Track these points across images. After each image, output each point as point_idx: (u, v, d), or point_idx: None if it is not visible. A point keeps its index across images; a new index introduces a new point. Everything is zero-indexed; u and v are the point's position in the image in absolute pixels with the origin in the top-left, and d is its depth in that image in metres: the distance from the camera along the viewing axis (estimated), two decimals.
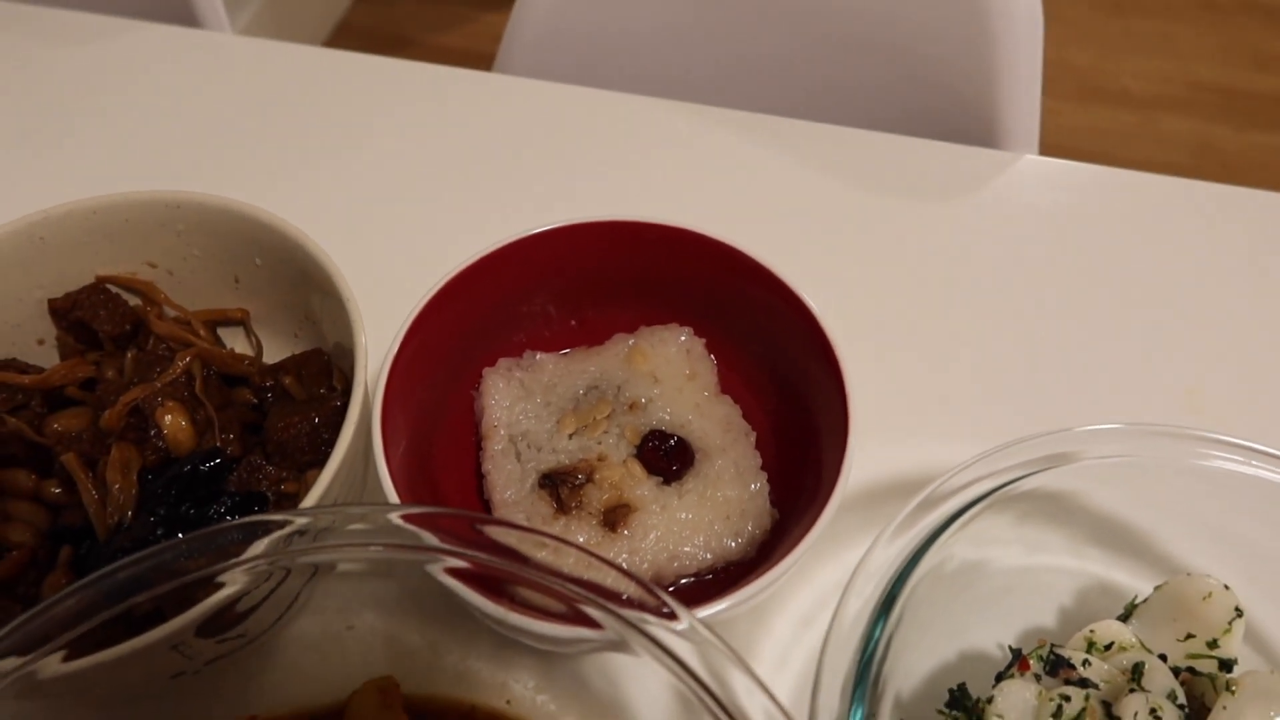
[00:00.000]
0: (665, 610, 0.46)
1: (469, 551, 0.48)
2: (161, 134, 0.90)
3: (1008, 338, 0.76)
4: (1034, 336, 0.76)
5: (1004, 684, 0.53)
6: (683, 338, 0.68)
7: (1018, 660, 0.55)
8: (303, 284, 0.64)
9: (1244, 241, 0.82)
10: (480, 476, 0.64)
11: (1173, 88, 2.72)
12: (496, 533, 0.49)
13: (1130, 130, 2.63)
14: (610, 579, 0.47)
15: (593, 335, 0.70)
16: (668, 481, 0.62)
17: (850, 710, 0.46)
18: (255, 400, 0.65)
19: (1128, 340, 0.76)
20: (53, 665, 0.43)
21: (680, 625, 0.45)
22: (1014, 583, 0.62)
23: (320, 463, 0.61)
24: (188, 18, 1.04)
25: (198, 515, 0.57)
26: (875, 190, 0.85)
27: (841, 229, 0.83)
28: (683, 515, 0.60)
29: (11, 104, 0.92)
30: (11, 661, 0.42)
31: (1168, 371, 0.74)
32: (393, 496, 0.54)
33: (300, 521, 0.47)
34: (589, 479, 0.61)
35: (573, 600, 0.47)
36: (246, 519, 0.47)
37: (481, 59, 0.97)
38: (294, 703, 0.53)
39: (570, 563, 0.47)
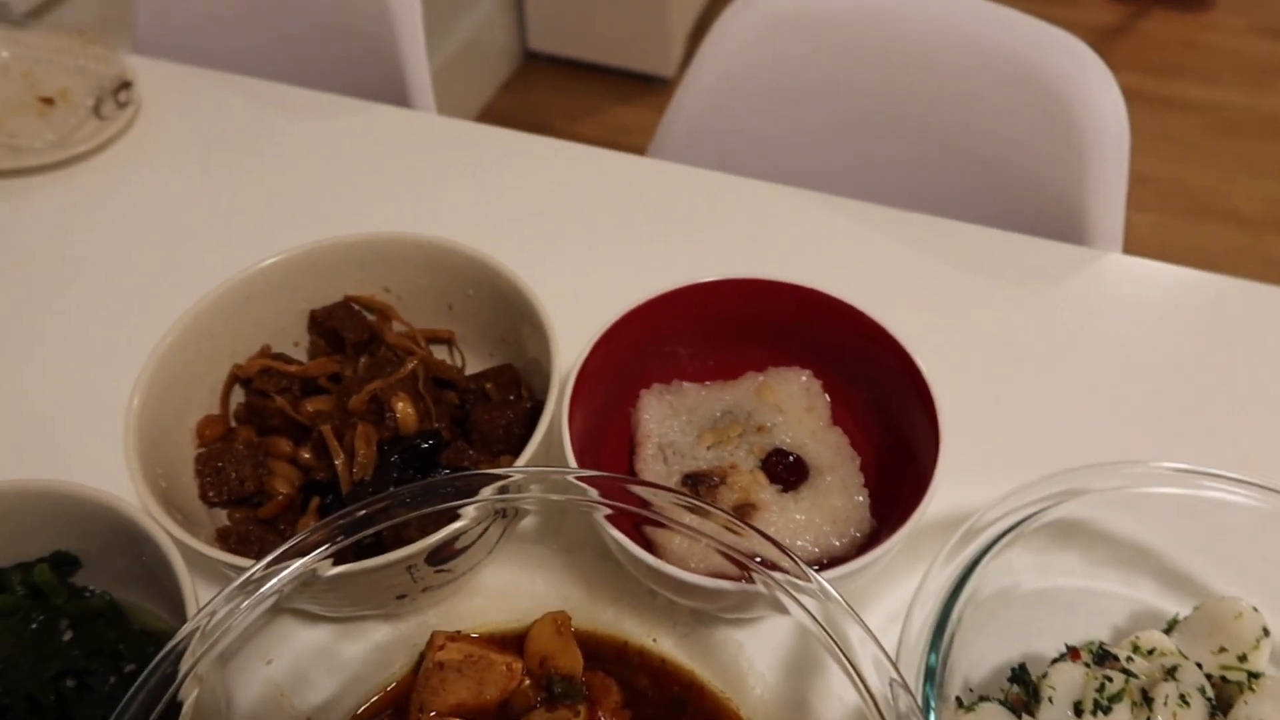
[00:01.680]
0: (798, 572, 0.60)
1: (633, 508, 0.63)
2: (388, 189, 1.11)
3: (1066, 411, 0.88)
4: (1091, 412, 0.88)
5: (1057, 665, 0.64)
6: (804, 378, 0.82)
7: (1070, 652, 0.66)
8: (505, 313, 0.82)
9: None
10: (632, 475, 0.79)
11: None
12: (655, 494, 0.63)
13: (1239, 249, 2.69)
14: (756, 544, 0.61)
15: (728, 371, 0.85)
16: (786, 490, 0.76)
17: (926, 680, 0.59)
18: (459, 400, 0.82)
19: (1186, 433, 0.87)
20: (326, 568, 0.59)
21: (810, 585, 0.59)
22: (1076, 602, 0.73)
23: (511, 451, 0.77)
24: (401, 98, 1.27)
25: (419, 478, 0.74)
26: (975, 275, 0.99)
27: (942, 304, 0.97)
28: (798, 516, 0.74)
29: (276, 166, 1.15)
30: (299, 561, 0.58)
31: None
32: (574, 464, 0.69)
33: (512, 478, 0.63)
34: (722, 481, 0.76)
35: (728, 555, 0.61)
36: (475, 471, 0.63)
37: (613, 146, 1.16)
38: (487, 626, 0.68)
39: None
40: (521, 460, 0.68)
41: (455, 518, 0.63)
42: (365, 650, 0.70)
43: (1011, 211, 1.07)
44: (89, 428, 0.87)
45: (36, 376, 0.94)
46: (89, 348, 0.96)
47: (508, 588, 0.70)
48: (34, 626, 0.64)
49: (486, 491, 0.62)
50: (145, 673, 0.53)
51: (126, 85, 1.21)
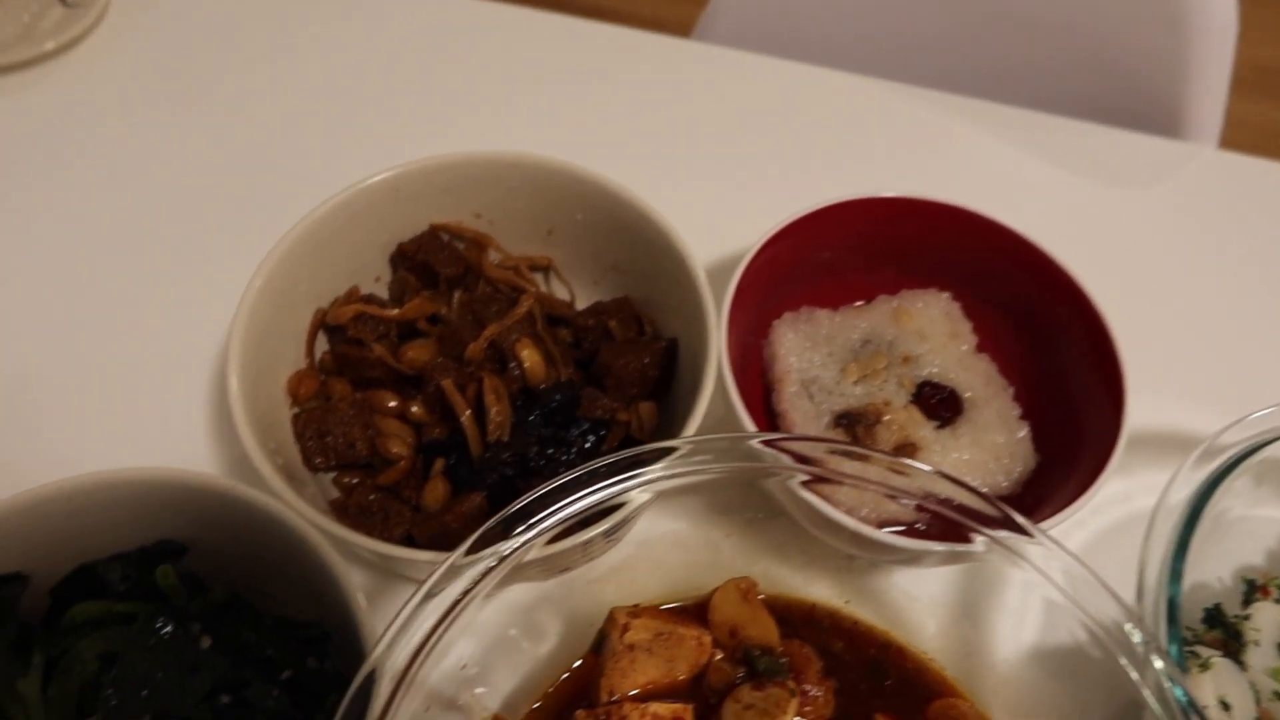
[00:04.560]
0: (1013, 524, 0.56)
1: (826, 470, 0.58)
2: (481, 102, 0.98)
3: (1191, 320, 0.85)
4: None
5: (1257, 605, 0.63)
6: (942, 301, 0.77)
7: (1259, 588, 0.65)
8: (621, 241, 0.73)
9: None
10: (770, 415, 0.73)
11: None
12: (840, 456, 0.58)
13: None
14: (965, 498, 0.57)
15: (854, 294, 0.79)
16: (943, 426, 0.72)
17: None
18: (573, 338, 0.74)
19: None
20: (536, 548, 0.53)
21: (1030, 538, 0.55)
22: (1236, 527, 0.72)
23: (646, 396, 0.71)
24: None
25: (559, 436, 0.67)
26: (1066, 172, 0.94)
27: (1025, 207, 0.92)
28: (962, 456, 0.70)
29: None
30: (493, 553, 0.52)
31: None
32: (750, 425, 0.63)
33: (687, 446, 0.57)
34: (878, 420, 0.71)
35: (944, 517, 0.56)
36: (653, 445, 0.56)
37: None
38: (666, 596, 0.62)
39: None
40: (694, 421, 0.61)
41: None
42: (516, 619, 0.64)
43: (1112, 107, 1.01)
44: (126, 398, 0.77)
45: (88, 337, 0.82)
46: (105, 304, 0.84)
47: (692, 549, 0.64)
48: (165, 635, 0.55)
49: (669, 463, 0.55)
50: (355, 689, 0.47)
51: None
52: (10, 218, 0.86)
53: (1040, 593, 0.54)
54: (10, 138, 0.92)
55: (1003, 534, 0.56)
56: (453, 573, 0.51)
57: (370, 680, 0.48)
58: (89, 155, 0.91)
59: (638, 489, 0.56)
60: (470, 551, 0.52)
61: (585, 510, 0.55)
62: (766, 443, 0.58)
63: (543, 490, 0.54)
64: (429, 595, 0.50)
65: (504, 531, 0.53)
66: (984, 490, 0.59)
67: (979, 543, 0.56)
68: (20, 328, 0.79)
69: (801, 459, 0.58)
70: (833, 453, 0.58)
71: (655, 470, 0.56)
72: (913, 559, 0.61)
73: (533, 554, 0.53)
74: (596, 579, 0.62)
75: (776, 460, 0.58)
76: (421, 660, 0.49)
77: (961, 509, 0.57)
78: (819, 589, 0.63)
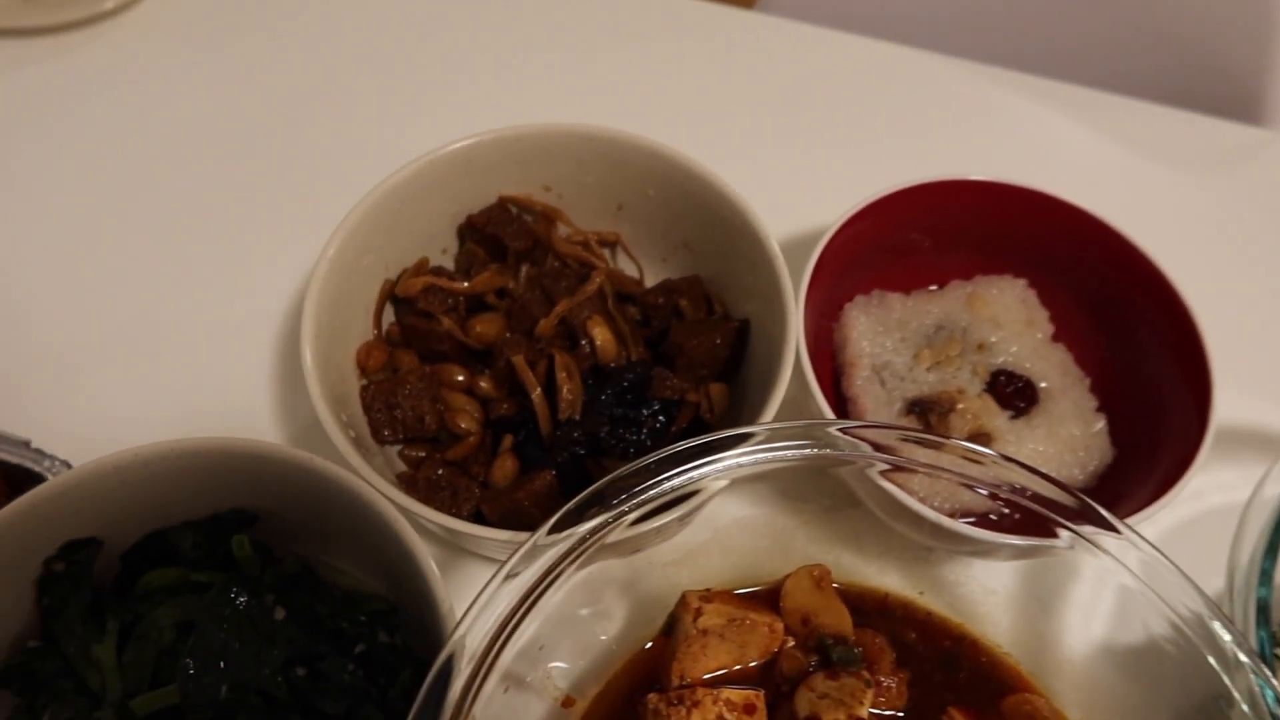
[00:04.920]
0: (1099, 518, 0.54)
1: (909, 461, 0.57)
2: (547, 74, 0.97)
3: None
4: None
5: None
6: (1018, 287, 0.75)
7: None
8: (694, 219, 0.72)
9: None
10: (840, 400, 0.72)
11: None
12: (920, 446, 0.57)
13: None
14: (1047, 490, 0.56)
15: (925, 278, 0.77)
16: (1017, 416, 0.70)
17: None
18: (641, 316, 0.73)
19: None
20: (619, 530, 0.52)
21: (1116, 535, 0.54)
22: None
23: (717, 377, 0.70)
24: None
25: (632, 416, 0.66)
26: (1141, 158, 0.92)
27: (1100, 193, 0.89)
28: (1037, 448, 0.68)
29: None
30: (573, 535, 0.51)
31: None
32: (828, 412, 0.62)
33: (764, 433, 0.56)
34: (951, 408, 0.69)
35: (1028, 510, 0.55)
36: (733, 431, 0.55)
37: None
38: (737, 580, 0.62)
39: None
40: (772, 406, 0.60)
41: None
42: (586, 599, 0.63)
43: (1190, 89, 0.98)
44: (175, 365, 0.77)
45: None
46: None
47: (760, 535, 0.64)
48: (240, 606, 0.55)
49: (748, 449, 0.54)
50: (437, 669, 0.46)
51: None
52: (75, 183, 0.86)
53: (1118, 586, 0.53)
54: (72, 97, 0.91)
55: (1087, 529, 0.55)
56: (534, 553, 0.51)
57: (450, 661, 0.48)
58: (154, 117, 0.90)
59: (717, 475, 0.55)
60: (552, 531, 0.51)
61: (664, 494, 0.54)
62: (845, 430, 0.57)
63: (626, 471, 0.53)
64: (510, 575, 0.50)
65: (581, 513, 0.52)
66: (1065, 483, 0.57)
67: (1063, 537, 0.55)
68: (89, 296, 0.79)
69: (880, 447, 0.57)
70: (912, 441, 0.56)
71: (734, 456, 0.55)
72: (989, 551, 0.60)
73: (614, 536, 0.52)
74: (669, 562, 0.61)
75: (855, 449, 0.57)
76: (502, 642, 0.49)
77: (1044, 501, 0.56)
78: (892, 579, 0.62)
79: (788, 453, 0.55)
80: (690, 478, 0.54)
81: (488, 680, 0.48)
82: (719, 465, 0.54)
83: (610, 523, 0.52)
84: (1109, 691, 0.59)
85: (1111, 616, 0.59)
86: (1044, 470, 0.67)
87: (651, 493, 0.53)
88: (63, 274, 0.80)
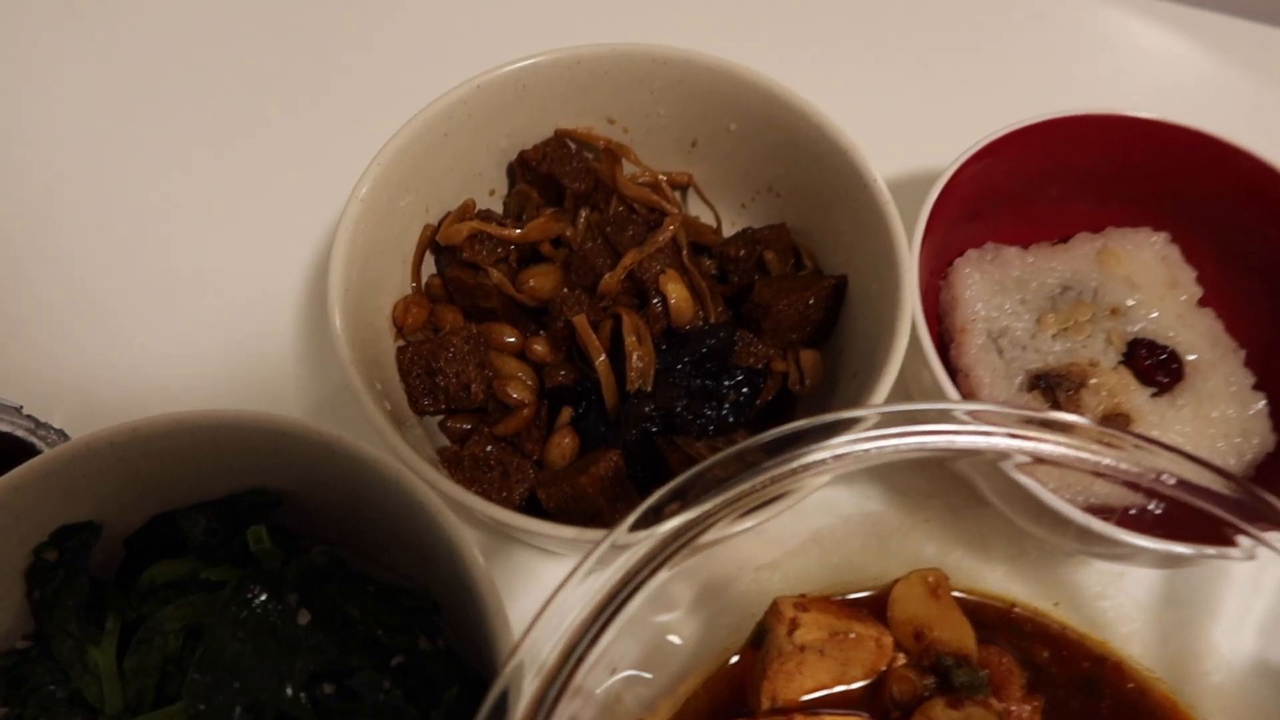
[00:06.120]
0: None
1: (1064, 455, 0.47)
2: None
3: None
4: None
5: None
6: (1157, 242, 0.65)
7: None
8: (781, 156, 0.62)
9: None
10: (948, 373, 0.62)
11: None
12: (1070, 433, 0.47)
13: None
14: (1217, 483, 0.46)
15: (1043, 230, 0.67)
16: (1160, 393, 0.60)
17: None
18: (718, 270, 0.64)
19: None
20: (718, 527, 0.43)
21: None
22: None
23: (807, 343, 0.60)
24: None
25: (712, 388, 0.56)
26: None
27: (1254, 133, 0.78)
28: (1183, 430, 0.58)
29: None
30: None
31: None
32: (952, 391, 0.52)
33: (876, 418, 0.46)
34: (1082, 384, 0.59)
35: (1203, 512, 0.46)
36: (843, 414, 0.46)
37: None
38: (835, 586, 0.53)
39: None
40: (884, 386, 0.50)
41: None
42: (658, 603, 0.55)
43: None
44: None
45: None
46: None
47: (874, 535, 0.54)
48: (258, 608, 0.47)
49: (857, 435, 0.45)
50: (496, 695, 0.38)
51: None
52: (73, 123, 0.77)
53: None
54: (76, 30, 0.82)
55: (1274, 535, 0.45)
56: (612, 554, 0.42)
57: (512, 680, 0.39)
58: (166, 41, 0.81)
59: (822, 469, 0.45)
60: (633, 528, 0.42)
61: (760, 489, 0.45)
62: (975, 414, 0.47)
63: (717, 460, 0.44)
64: (585, 578, 0.41)
65: (660, 509, 0.43)
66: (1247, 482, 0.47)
67: (1244, 545, 0.46)
68: (89, 246, 0.71)
69: (1015, 435, 0.47)
70: (1060, 429, 0.47)
71: (844, 444, 0.45)
72: (1131, 555, 0.50)
73: (708, 536, 0.43)
74: (761, 566, 0.52)
75: (990, 442, 0.47)
76: (577, 657, 0.40)
77: (1217, 499, 0.46)
78: (1018, 587, 0.53)
79: (906, 441, 0.46)
80: (791, 468, 0.45)
81: (560, 703, 0.40)
82: (825, 455, 0.45)
83: (702, 521, 0.43)
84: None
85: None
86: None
87: (745, 486, 0.44)
88: (60, 222, 0.71)
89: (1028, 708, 0.49)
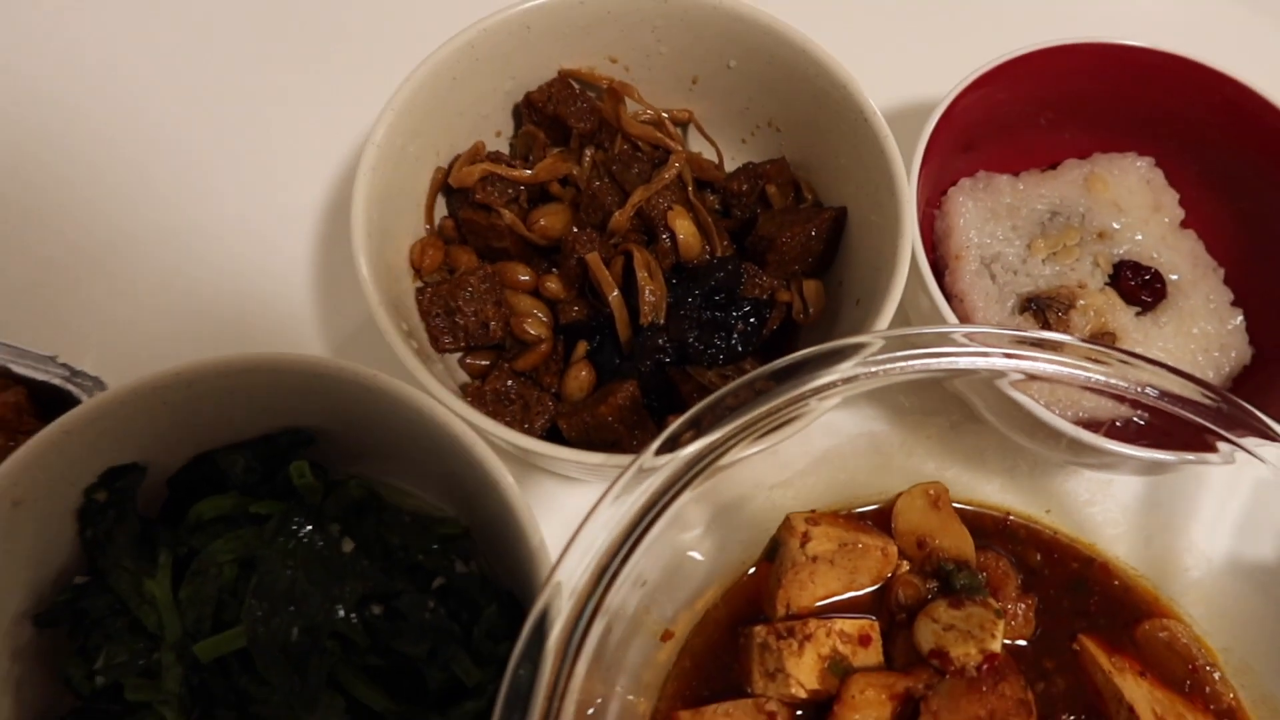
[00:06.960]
0: (1262, 427, 0.48)
1: (1048, 366, 0.50)
2: None
3: None
4: None
5: None
6: (1142, 166, 0.67)
7: None
8: (780, 91, 0.63)
9: None
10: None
11: None
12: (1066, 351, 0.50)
13: None
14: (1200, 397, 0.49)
15: (1031, 158, 0.69)
16: (1143, 312, 0.63)
17: None
18: (720, 205, 0.66)
19: None
20: (736, 450, 0.46)
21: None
22: None
23: (809, 273, 0.62)
24: None
25: (721, 319, 0.59)
26: None
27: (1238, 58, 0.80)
28: (1166, 346, 0.62)
29: None
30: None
31: None
32: (949, 315, 0.55)
33: (879, 343, 0.49)
34: (1071, 305, 0.62)
35: (1184, 420, 0.49)
36: (849, 340, 0.48)
37: None
38: (841, 501, 0.56)
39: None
40: (887, 312, 0.53)
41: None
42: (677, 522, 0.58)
43: None
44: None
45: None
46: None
47: (876, 450, 0.58)
48: (304, 538, 0.50)
49: (863, 359, 0.48)
50: (538, 613, 0.41)
51: None
52: (99, 70, 0.77)
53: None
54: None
55: (1251, 440, 0.49)
56: (639, 477, 0.45)
57: (552, 600, 0.43)
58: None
59: (833, 391, 0.48)
60: (660, 452, 0.45)
61: (776, 411, 0.48)
62: (972, 336, 0.50)
63: (734, 386, 0.47)
64: (614, 501, 0.44)
65: (680, 434, 0.46)
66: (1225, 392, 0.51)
67: (1224, 451, 0.49)
68: (111, 197, 0.72)
69: (1010, 355, 0.50)
70: (1050, 348, 0.50)
71: (851, 368, 0.48)
72: (1117, 464, 0.54)
73: (728, 458, 0.46)
74: (774, 484, 0.55)
75: (987, 362, 0.50)
76: (610, 576, 0.44)
77: (1197, 408, 0.50)
78: (1012, 497, 0.57)
79: (909, 363, 0.49)
80: (802, 391, 0.48)
81: (595, 621, 0.43)
82: (833, 377, 0.48)
83: (721, 445, 0.46)
84: (1255, 617, 0.54)
85: (1265, 533, 0.53)
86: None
87: (762, 410, 0.47)
88: (86, 171, 0.72)
89: (1023, 606, 0.53)
